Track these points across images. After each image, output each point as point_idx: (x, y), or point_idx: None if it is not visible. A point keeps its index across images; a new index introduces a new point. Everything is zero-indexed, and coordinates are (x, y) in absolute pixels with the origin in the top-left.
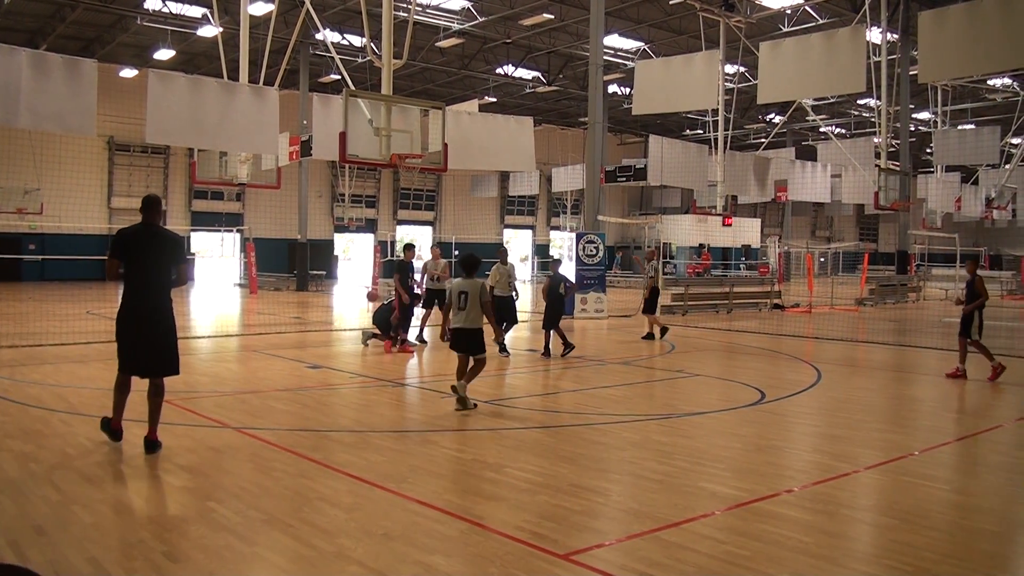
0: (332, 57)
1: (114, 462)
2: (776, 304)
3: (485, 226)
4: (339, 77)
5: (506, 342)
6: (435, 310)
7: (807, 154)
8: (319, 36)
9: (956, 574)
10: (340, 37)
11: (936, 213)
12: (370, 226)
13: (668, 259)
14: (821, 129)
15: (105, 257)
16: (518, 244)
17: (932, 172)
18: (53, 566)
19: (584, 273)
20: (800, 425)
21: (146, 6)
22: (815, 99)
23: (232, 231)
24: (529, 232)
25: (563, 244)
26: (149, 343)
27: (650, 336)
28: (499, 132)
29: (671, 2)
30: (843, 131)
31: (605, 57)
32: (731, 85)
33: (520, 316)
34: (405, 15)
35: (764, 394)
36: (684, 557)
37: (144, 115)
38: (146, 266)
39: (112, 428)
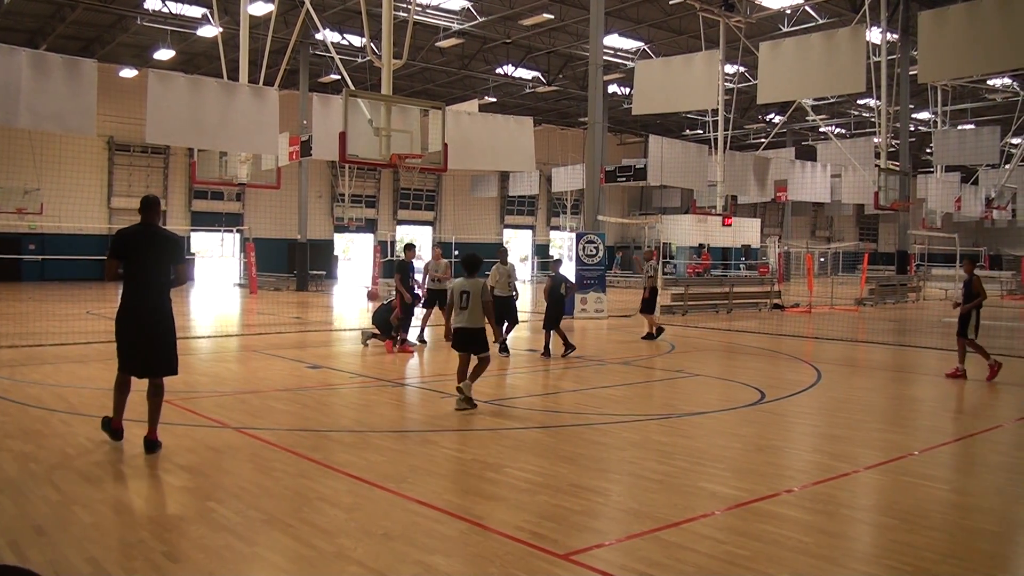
0: (332, 57)
1: (114, 462)
2: (776, 304)
3: (485, 226)
4: (339, 77)
5: (507, 342)
6: (436, 310)
7: (807, 154)
8: (319, 36)
9: (956, 574)
10: (340, 37)
11: (936, 213)
12: (370, 226)
13: (668, 259)
14: (821, 129)
15: (105, 257)
16: (518, 244)
17: (932, 172)
18: (53, 566)
19: (584, 273)
20: (800, 425)
21: (146, 6)
22: (815, 99)
23: (232, 231)
24: (529, 232)
25: (563, 244)
26: (149, 343)
27: (650, 336)
28: (499, 132)
29: (671, 2)
30: (843, 131)
31: (605, 57)
32: (731, 85)
33: (520, 316)
34: (405, 15)
35: (764, 394)
36: (684, 557)
37: (144, 115)
38: (145, 266)
39: (113, 427)
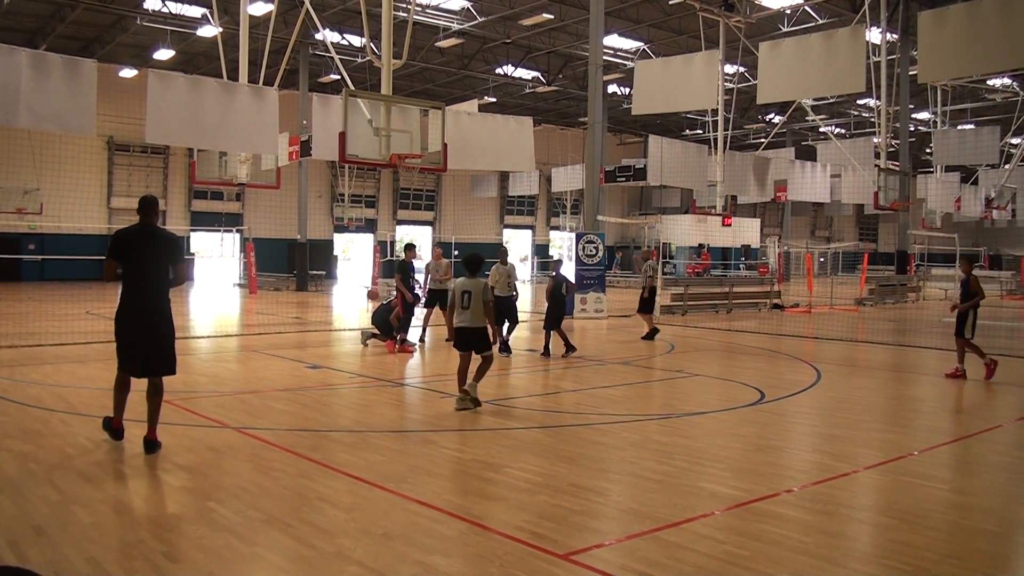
0: (332, 57)
1: (114, 462)
2: (776, 304)
3: (485, 226)
4: (339, 77)
5: (508, 342)
6: (436, 311)
7: (807, 154)
8: (319, 36)
9: (956, 574)
10: (340, 37)
11: (936, 213)
12: (370, 226)
13: (668, 259)
14: (821, 129)
15: (104, 257)
16: (518, 244)
17: (932, 172)
18: (53, 566)
19: (584, 273)
20: (800, 425)
21: (146, 6)
22: (815, 99)
23: (232, 231)
24: (529, 232)
25: (562, 244)
26: (148, 343)
27: (649, 336)
28: (499, 132)
29: (671, 2)
30: (843, 131)
31: (605, 57)
32: (731, 85)
33: (519, 316)
34: (405, 15)
35: (764, 394)
36: (684, 557)
37: (144, 115)
38: (144, 266)
39: (113, 427)
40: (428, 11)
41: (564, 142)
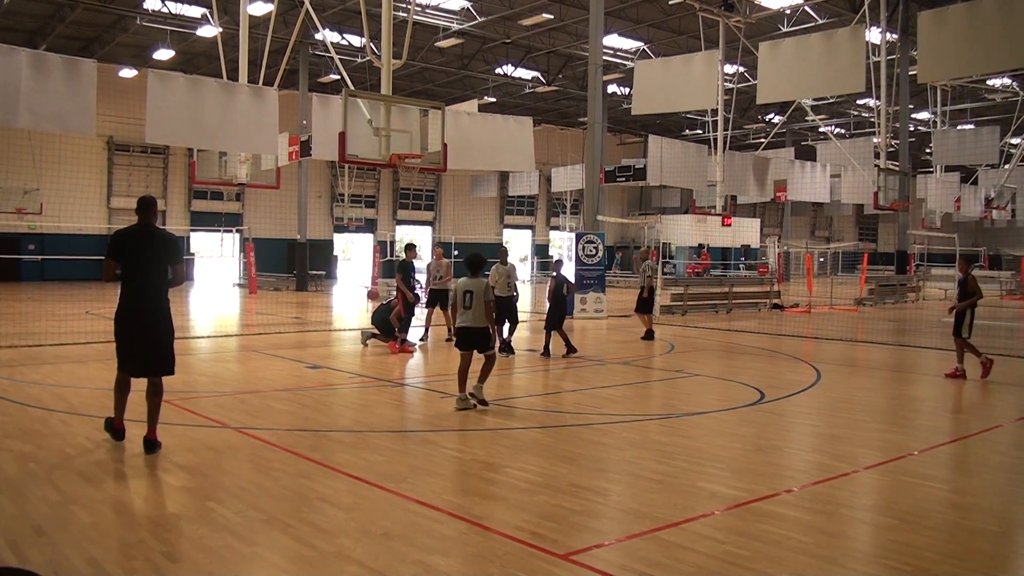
0: (331, 57)
1: (113, 462)
2: (775, 304)
3: (485, 226)
4: (338, 77)
5: (511, 343)
6: (436, 311)
7: (806, 154)
8: (318, 36)
9: (956, 574)
10: (339, 37)
11: (935, 213)
12: (369, 226)
13: (668, 259)
14: (820, 129)
15: (103, 258)
16: (517, 244)
17: (931, 172)
18: (53, 566)
19: (584, 273)
20: (799, 425)
21: (145, 6)
22: (814, 99)
23: (232, 231)
24: (528, 232)
25: (562, 244)
26: (148, 343)
27: (649, 336)
28: (499, 132)
29: (670, 2)
30: (842, 131)
31: (604, 57)
32: (730, 85)
33: (519, 316)
34: (405, 15)
35: (764, 394)
36: (683, 557)
37: (143, 115)
38: (143, 267)
39: (114, 428)
40: (428, 11)
41: (564, 142)
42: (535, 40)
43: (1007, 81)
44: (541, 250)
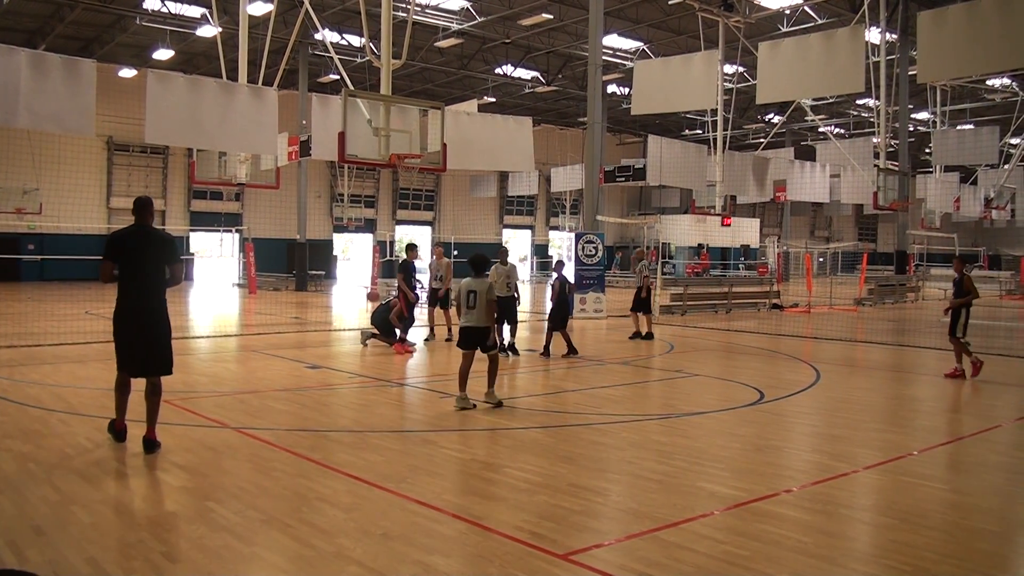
0: (331, 57)
1: (113, 462)
2: (775, 304)
3: (484, 226)
4: (338, 77)
5: (505, 342)
6: (437, 310)
7: (806, 154)
8: (318, 36)
9: (955, 574)
10: (339, 37)
11: (935, 213)
12: (369, 226)
13: (667, 259)
14: (820, 129)
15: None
16: (517, 244)
17: (931, 172)
18: (52, 566)
19: (583, 273)
20: (799, 425)
21: (145, 6)
22: (814, 99)
23: (231, 231)
24: (528, 232)
25: (562, 244)
26: (147, 343)
27: (649, 335)
28: (498, 132)
29: (670, 2)
30: (842, 131)
31: (604, 57)
32: (730, 85)
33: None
34: (404, 15)
35: (763, 394)
36: (683, 557)
37: (143, 115)
38: (141, 267)
39: (116, 429)
40: (427, 11)
41: (563, 142)
42: (535, 40)
43: (1007, 81)
44: (541, 250)
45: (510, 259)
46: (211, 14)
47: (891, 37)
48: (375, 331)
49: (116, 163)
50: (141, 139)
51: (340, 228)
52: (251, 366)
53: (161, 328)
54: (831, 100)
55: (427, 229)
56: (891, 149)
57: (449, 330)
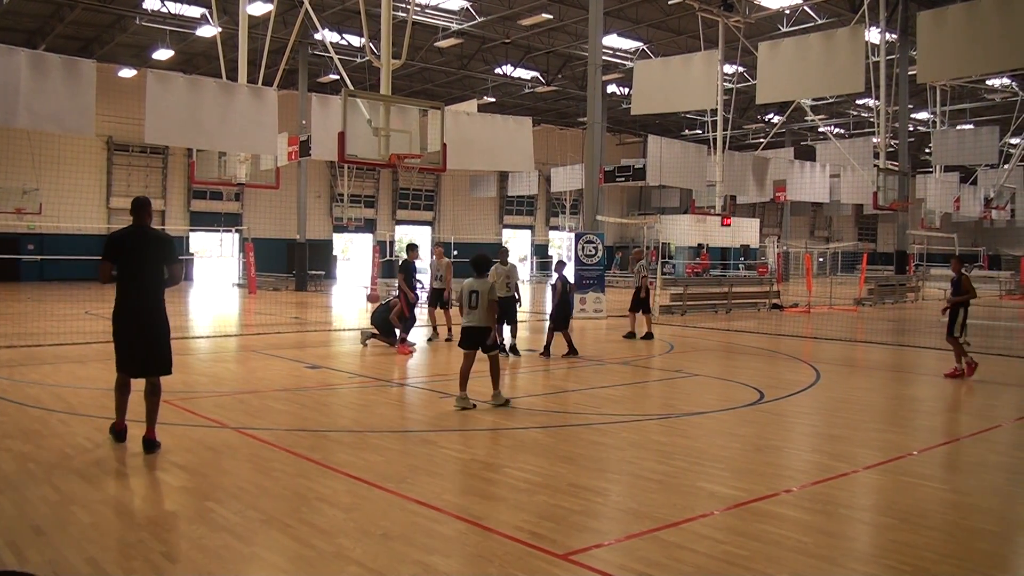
0: (331, 57)
1: (113, 462)
2: (775, 304)
3: (484, 226)
4: (338, 77)
5: (506, 343)
6: (438, 310)
7: (806, 154)
8: (318, 36)
9: (955, 574)
10: (339, 37)
11: (935, 213)
12: (369, 226)
13: (667, 259)
14: (820, 129)
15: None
16: (517, 244)
17: (931, 172)
18: (52, 566)
19: (583, 273)
20: (799, 425)
21: (145, 6)
22: (814, 99)
23: (231, 231)
24: (528, 232)
25: (562, 244)
26: (147, 343)
27: (649, 335)
28: (498, 132)
29: (670, 2)
30: (842, 131)
31: (604, 57)
32: (730, 85)
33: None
34: (404, 15)
35: (763, 394)
36: (683, 557)
37: (143, 115)
38: (140, 267)
39: (116, 430)
40: (427, 11)
41: (563, 142)
42: (534, 40)
43: (1006, 81)
44: (540, 250)
45: (510, 259)
46: (211, 14)
47: (891, 37)
48: (375, 331)
49: (116, 163)
50: (141, 139)
51: (340, 228)
52: (251, 366)
53: (160, 328)
54: (831, 100)
55: (427, 229)
56: (891, 149)
57: (449, 330)
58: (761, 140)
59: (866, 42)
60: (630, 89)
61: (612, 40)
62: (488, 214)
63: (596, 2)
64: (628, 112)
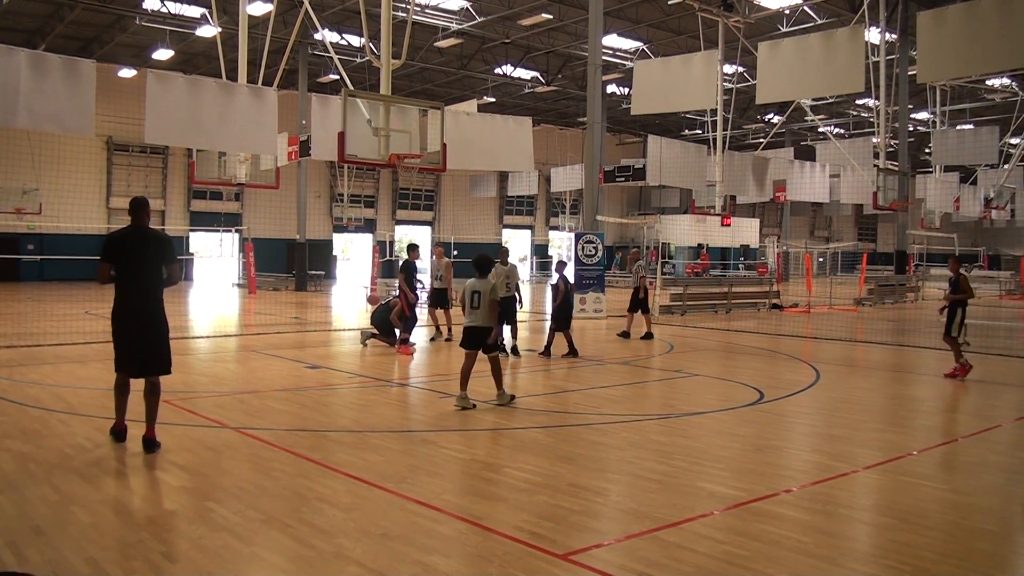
0: (331, 57)
1: (112, 462)
2: (775, 304)
3: (484, 226)
4: (338, 77)
5: (506, 343)
6: (438, 310)
7: (806, 154)
8: (318, 36)
9: (955, 574)
10: (339, 37)
11: (935, 213)
12: (369, 226)
13: (667, 259)
14: (820, 129)
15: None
16: (517, 244)
17: (931, 172)
18: (52, 566)
19: (583, 273)
20: (799, 425)
21: (145, 6)
22: (814, 99)
23: (231, 231)
24: (528, 232)
25: (562, 244)
26: (146, 343)
27: (648, 335)
28: (498, 132)
29: (670, 2)
30: (842, 131)
31: (604, 57)
32: (730, 85)
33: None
34: (404, 15)
35: (763, 394)
36: (683, 557)
37: (143, 115)
38: (139, 268)
39: (116, 430)
40: (427, 11)
41: (563, 142)
42: (534, 40)
43: (1006, 81)
44: (540, 250)
45: (510, 259)
46: (211, 14)
47: (891, 37)
48: (375, 331)
49: (116, 163)
50: (141, 139)
51: (340, 228)
52: (251, 366)
53: (160, 328)
54: (831, 100)
55: (427, 229)
56: (891, 149)
57: (449, 330)
58: (761, 140)
59: (866, 42)
60: (630, 89)
61: (612, 40)
62: (488, 214)
63: (596, 2)
64: (628, 112)
